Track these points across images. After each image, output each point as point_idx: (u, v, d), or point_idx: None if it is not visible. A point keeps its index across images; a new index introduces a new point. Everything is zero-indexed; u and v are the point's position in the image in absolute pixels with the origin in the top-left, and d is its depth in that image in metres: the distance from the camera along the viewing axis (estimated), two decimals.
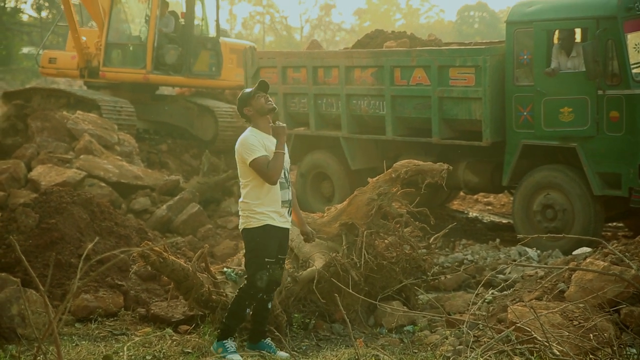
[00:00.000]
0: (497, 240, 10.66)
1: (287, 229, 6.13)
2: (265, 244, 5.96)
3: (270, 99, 6.05)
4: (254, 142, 5.91)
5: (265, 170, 5.84)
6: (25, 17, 38.86)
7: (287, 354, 6.18)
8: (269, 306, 6.26)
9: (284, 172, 6.02)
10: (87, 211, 8.12)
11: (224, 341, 6.12)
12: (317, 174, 12.79)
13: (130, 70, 16.00)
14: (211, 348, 6.18)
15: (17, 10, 37.85)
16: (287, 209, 6.05)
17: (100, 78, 16.18)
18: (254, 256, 5.98)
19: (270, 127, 6.02)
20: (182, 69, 16.13)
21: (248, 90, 6.09)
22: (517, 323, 5.82)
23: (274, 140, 5.99)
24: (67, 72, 16.94)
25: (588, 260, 6.66)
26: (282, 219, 6.02)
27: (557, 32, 10.16)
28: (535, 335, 5.32)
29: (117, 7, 16.22)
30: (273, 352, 6.19)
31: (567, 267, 5.97)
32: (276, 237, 6.01)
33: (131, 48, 16.28)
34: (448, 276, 8.62)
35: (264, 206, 5.94)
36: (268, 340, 6.28)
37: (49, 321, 3.27)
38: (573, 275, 6.45)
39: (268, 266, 5.98)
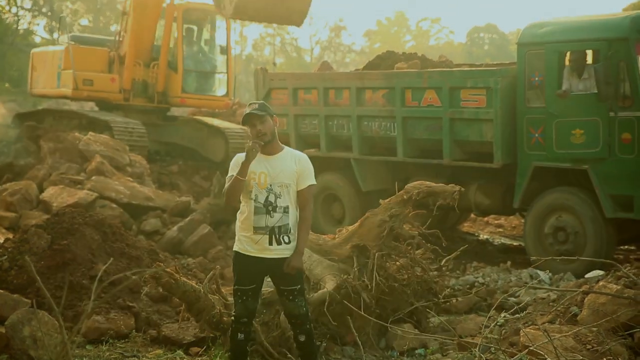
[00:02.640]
0: (509, 262, 10.61)
1: (272, 259, 5.72)
2: (237, 271, 5.84)
3: (262, 131, 5.70)
4: (234, 163, 5.79)
5: (217, 195, 5.82)
6: (37, 39, 39.19)
7: None
8: (301, 339, 5.92)
9: (268, 196, 5.70)
10: (99, 232, 8.12)
11: None
12: (328, 196, 12.78)
13: (212, 98, 16.91)
14: None
15: (29, 32, 38.20)
16: (265, 236, 5.69)
17: (172, 103, 16.82)
18: (234, 282, 5.91)
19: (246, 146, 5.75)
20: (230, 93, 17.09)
21: (243, 115, 5.86)
22: (530, 346, 5.78)
23: (270, 162, 5.76)
24: (107, 95, 16.59)
25: (601, 283, 6.62)
26: (256, 247, 5.71)
27: (568, 53, 10.17)
28: (548, 358, 5.28)
29: (190, 34, 16.70)
30: None
31: (580, 289, 5.94)
32: (250, 266, 5.75)
33: (207, 77, 16.91)
34: (459, 299, 8.57)
35: (238, 231, 5.84)
36: None
37: (62, 342, 3.27)
38: (586, 299, 6.41)
39: (240, 293, 5.81)
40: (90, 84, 16.36)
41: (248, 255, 5.77)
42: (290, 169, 5.79)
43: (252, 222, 5.73)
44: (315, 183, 5.98)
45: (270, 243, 5.72)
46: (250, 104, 5.94)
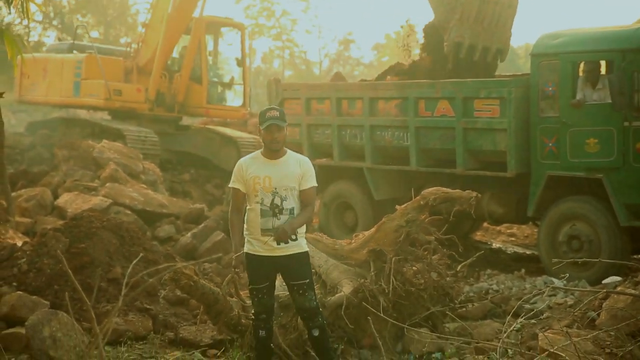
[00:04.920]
0: (522, 270, 10.62)
1: (281, 257, 5.95)
2: (249, 271, 6.04)
3: (277, 139, 5.91)
4: (237, 171, 6.04)
5: (230, 216, 6.07)
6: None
7: None
8: (315, 334, 6.09)
9: (274, 199, 5.89)
10: (116, 236, 8.19)
11: None
12: (341, 204, 12.82)
13: (231, 108, 17.29)
14: None
15: (40, 44, 38.40)
16: (271, 237, 5.90)
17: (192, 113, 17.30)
18: (248, 282, 6.12)
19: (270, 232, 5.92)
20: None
21: (265, 113, 5.99)
22: (548, 350, 5.79)
23: (274, 166, 5.92)
24: (134, 105, 16.64)
25: (619, 288, 6.64)
26: (265, 247, 5.93)
27: (582, 64, 10.21)
28: None
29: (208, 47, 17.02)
30: None
31: (602, 290, 5.97)
32: (261, 266, 5.96)
33: (226, 88, 17.34)
34: (475, 304, 8.58)
35: (247, 232, 6.05)
36: None
37: (94, 333, 3.31)
38: (604, 303, 6.43)
39: (255, 292, 6.02)
40: (120, 94, 16.36)
41: (258, 255, 5.98)
42: (294, 172, 6.00)
43: (258, 224, 5.93)
44: (316, 185, 6.14)
45: (278, 243, 5.92)
46: (270, 109, 6.06)
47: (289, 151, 6.13)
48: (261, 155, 6.06)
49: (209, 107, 16.78)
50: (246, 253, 6.03)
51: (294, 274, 6.02)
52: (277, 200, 5.92)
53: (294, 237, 5.94)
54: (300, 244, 6.05)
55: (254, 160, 6.05)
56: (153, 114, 16.65)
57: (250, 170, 5.98)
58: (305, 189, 6.01)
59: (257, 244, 5.96)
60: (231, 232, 6.09)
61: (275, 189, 5.92)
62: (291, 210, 5.94)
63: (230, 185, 6.11)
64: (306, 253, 6.10)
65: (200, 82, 16.68)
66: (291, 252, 5.99)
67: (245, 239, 6.06)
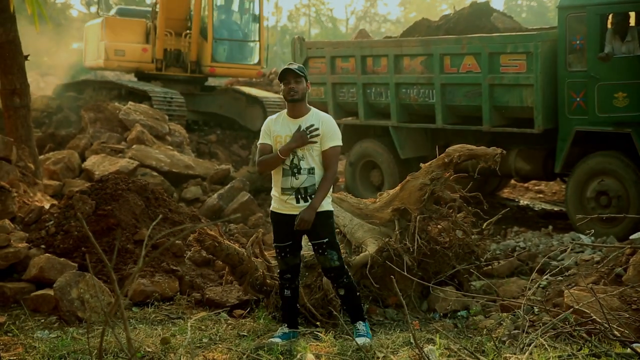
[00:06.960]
0: (550, 227, 10.55)
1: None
2: (274, 228, 6.09)
3: (295, 89, 5.85)
4: (265, 128, 6.01)
5: (258, 159, 5.97)
6: (75, 13, 39.51)
7: (364, 340, 5.87)
8: (341, 293, 6.04)
9: (293, 158, 5.85)
10: (142, 198, 8.21)
11: (281, 325, 6.18)
12: (366, 163, 12.79)
13: (243, 66, 16.95)
14: None
15: (67, 6, 38.50)
16: (292, 196, 5.87)
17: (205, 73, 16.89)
18: (273, 239, 6.15)
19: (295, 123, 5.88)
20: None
21: (282, 70, 5.94)
22: (574, 307, 5.75)
23: (295, 126, 5.88)
24: (139, 65, 16.78)
25: None
26: (286, 205, 5.91)
27: (610, 16, 10.02)
28: (594, 317, 5.26)
29: (221, 2, 16.79)
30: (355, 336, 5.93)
31: (629, 246, 5.89)
32: (284, 224, 5.96)
33: (239, 44, 17.03)
34: (501, 262, 8.55)
35: (273, 191, 6.06)
36: (358, 325, 6.03)
37: (115, 296, 3.33)
38: (631, 259, 6.36)
39: (279, 250, 6.03)
40: (122, 55, 16.51)
41: (281, 213, 5.99)
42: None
43: (280, 183, 5.94)
44: (340, 144, 6.01)
45: (298, 202, 5.91)
46: (289, 63, 6.04)
47: (313, 110, 6.01)
48: (285, 114, 6.00)
49: (214, 65, 16.60)
50: (271, 211, 6.09)
51: (313, 234, 5.96)
52: (296, 160, 5.88)
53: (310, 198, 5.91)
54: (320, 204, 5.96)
55: (278, 118, 6.01)
56: (164, 74, 16.68)
57: (274, 129, 5.95)
58: (325, 149, 5.90)
59: (278, 202, 5.97)
60: (266, 160, 5.90)
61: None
62: (310, 170, 5.87)
63: (259, 142, 6.05)
64: (327, 213, 5.97)
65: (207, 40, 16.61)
66: None
67: (272, 199, 6.08)
